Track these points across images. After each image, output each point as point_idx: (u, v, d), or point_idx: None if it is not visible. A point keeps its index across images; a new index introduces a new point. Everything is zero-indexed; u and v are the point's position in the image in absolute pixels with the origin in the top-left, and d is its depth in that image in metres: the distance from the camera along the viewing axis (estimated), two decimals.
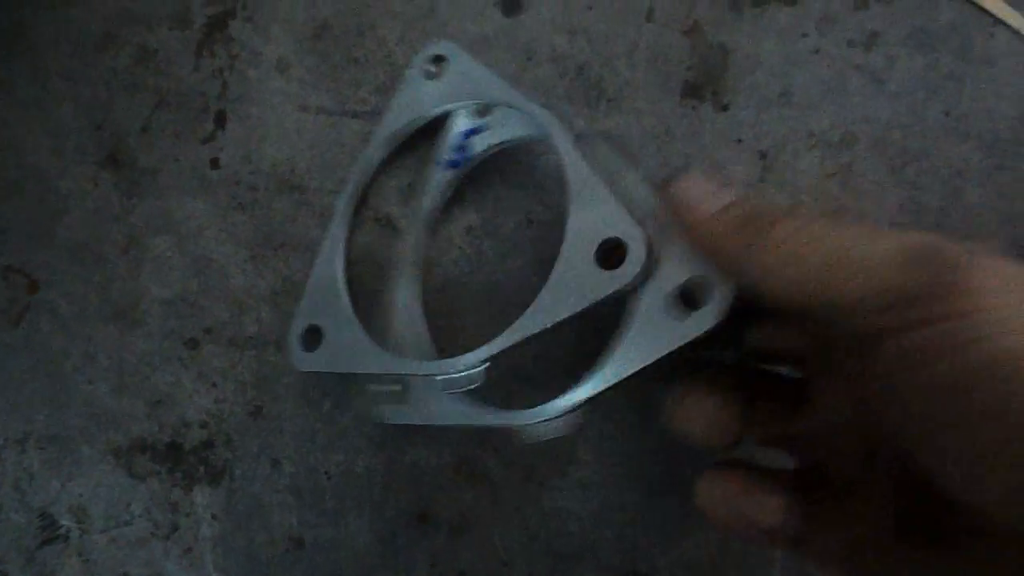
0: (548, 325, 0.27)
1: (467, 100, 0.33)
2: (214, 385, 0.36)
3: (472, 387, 0.29)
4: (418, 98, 0.34)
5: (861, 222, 0.22)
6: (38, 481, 0.35)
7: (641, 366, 0.27)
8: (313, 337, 0.32)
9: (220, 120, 0.36)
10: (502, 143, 0.34)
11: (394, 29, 0.37)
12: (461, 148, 0.34)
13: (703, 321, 0.26)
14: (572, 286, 0.27)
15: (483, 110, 0.34)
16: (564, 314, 0.27)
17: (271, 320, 0.36)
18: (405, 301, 0.34)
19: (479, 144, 0.34)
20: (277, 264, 0.36)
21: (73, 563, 0.35)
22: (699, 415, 0.26)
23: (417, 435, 0.35)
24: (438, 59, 0.34)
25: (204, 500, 0.35)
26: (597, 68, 0.37)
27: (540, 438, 0.29)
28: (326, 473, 0.35)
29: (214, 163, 0.36)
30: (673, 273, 0.26)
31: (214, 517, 0.35)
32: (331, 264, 0.33)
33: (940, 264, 0.19)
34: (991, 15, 0.37)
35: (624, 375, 0.27)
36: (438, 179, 0.35)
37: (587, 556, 0.35)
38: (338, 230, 0.34)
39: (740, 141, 0.37)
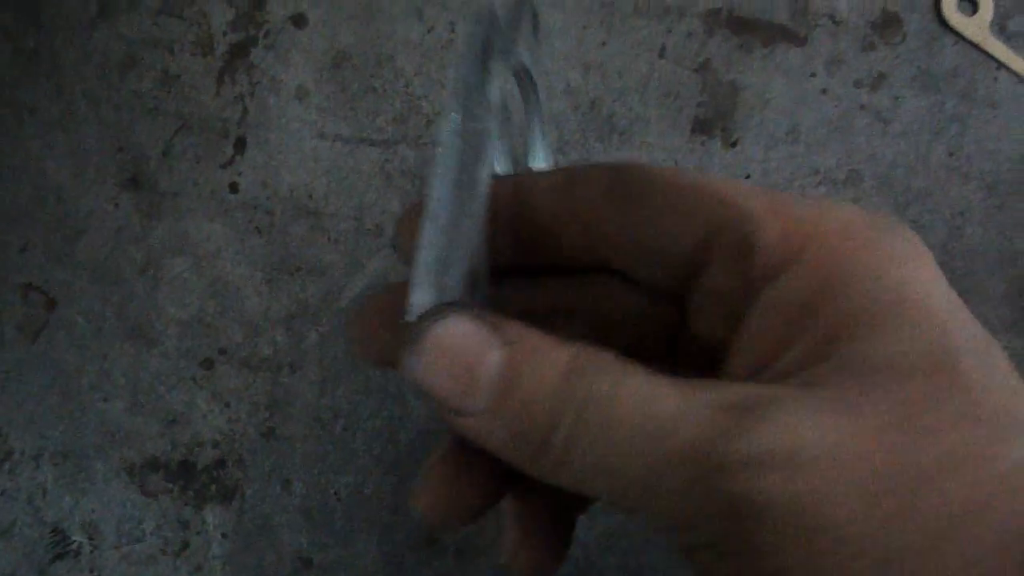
0: None
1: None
2: (227, 405, 0.36)
3: None
4: None
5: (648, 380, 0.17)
6: (51, 496, 0.36)
7: None
8: None
9: (240, 145, 0.37)
10: None
11: (412, 60, 0.38)
12: None
13: None
14: None
15: None
16: None
17: (286, 343, 0.36)
18: None
19: None
20: (292, 288, 0.37)
21: None
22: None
23: (427, 458, 0.36)
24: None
25: (215, 519, 0.36)
26: (610, 103, 0.38)
27: None
28: (336, 494, 0.36)
29: (233, 187, 0.37)
30: None
31: (224, 536, 0.36)
32: None
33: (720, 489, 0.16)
34: (995, 59, 0.38)
35: None
36: None
37: None
38: None
39: (748, 177, 0.37)
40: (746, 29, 0.38)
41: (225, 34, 0.38)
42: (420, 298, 0.18)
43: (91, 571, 0.36)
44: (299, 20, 0.38)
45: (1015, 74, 0.38)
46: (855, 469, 0.15)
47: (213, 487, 0.36)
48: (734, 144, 0.38)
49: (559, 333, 0.21)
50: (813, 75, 0.38)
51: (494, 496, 0.22)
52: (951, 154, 0.38)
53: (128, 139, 0.37)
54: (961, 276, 0.37)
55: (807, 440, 0.15)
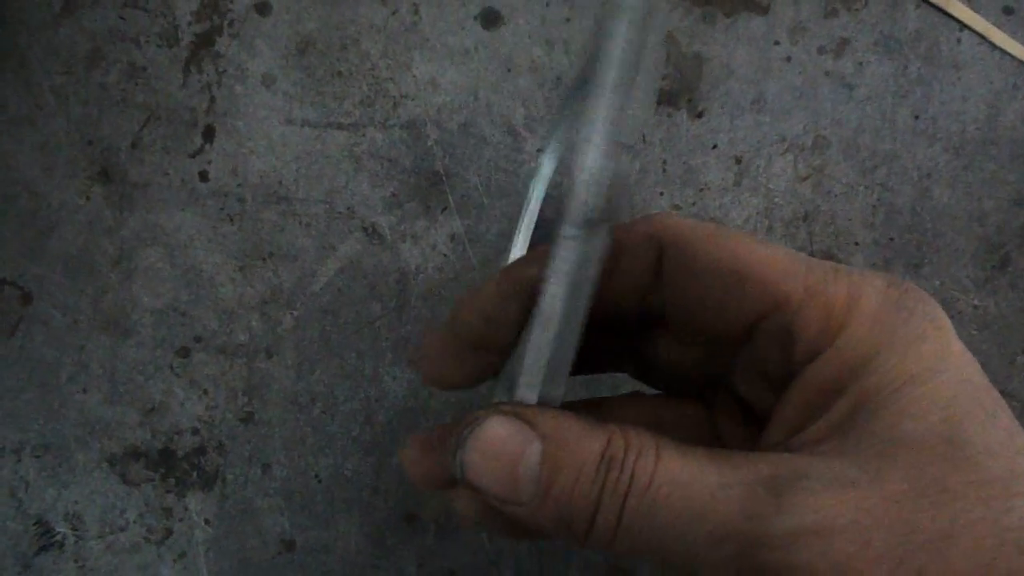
0: None
1: None
2: (205, 392, 0.36)
3: None
4: None
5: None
6: (34, 489, 0.36)
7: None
8: None
9: (208, 134, 0.37)
10: None
11: (377, 43, 0.38)
12: None
13: None
14: None
15: None
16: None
17: (261, 328, 0.37)
18: None
19: None
20: (266, 274, 0.37)
21: (69, 569, 0.36)
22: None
23: (404, 437, 0.36)
24: None
25: (197, 505, 0.36)
26: (575, 78, 0.38)
27: None
28: (316, 476, 0.36)
29: (203, 176, 0.37)
30: None
31: (207, 522, 0.36)
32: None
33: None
34: (957, 20, 0.38)
35: None
36: None
37: (572, 554, 0.36)
38: None
39: (715, 147, 0.38)
40: (708, 0, 0.38)
41: (190, 24, 0.38)
42: (524, 397, 0.20)
43: (76, 562, 0.36)
44: (263, 8, 0.38)
45: (978, 35, 0.38)
46: (879, 538, 0.17)
47: (194, 474, 0.36)
48: (700, 115, 0.38)
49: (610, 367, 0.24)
50: (777, 43, 0.38)
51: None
52: (916, 117, 0.38)
53: (97, 132, 0.37)
54: (931, 237, 0.37)
55: (837, 513, 0.17)
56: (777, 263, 0.21)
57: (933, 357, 0.19)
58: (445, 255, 0.37)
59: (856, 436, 0.19)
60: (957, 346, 0.20)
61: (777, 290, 0.21)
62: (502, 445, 0.19)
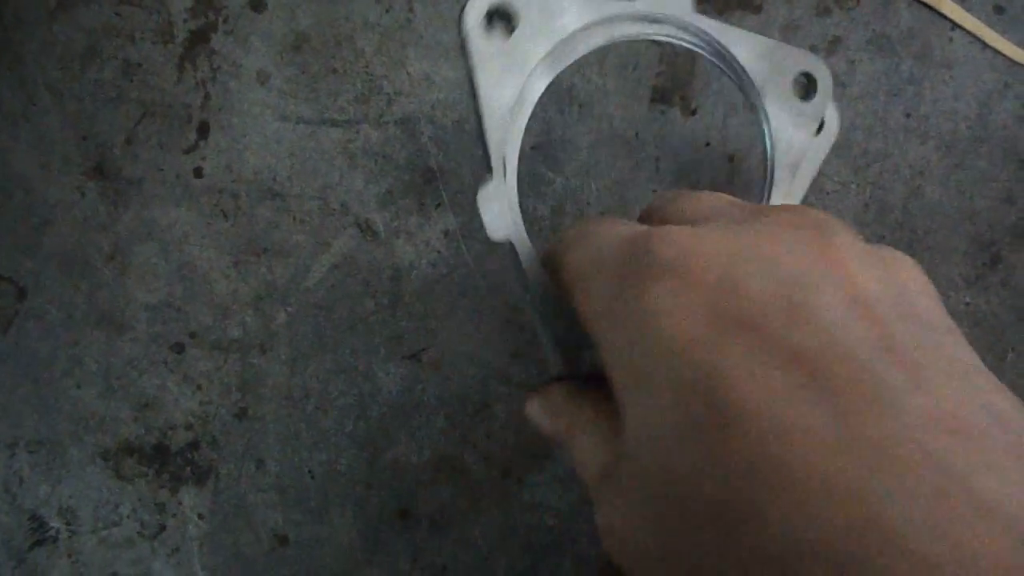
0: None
1: None
2: (199, 388, 0.36)
3: None
4: None
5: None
6: (28, 484, 0.36)
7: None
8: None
9: (203, 130, 0.37)
10: None
11: (371, 40, 0.38)
12: None
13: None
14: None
15: None
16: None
17: (255, 324, 0.37)
18: None
19: None
20: (260, 269, 0.37)
21: (63, 564, 0.36)
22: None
23: (398, 432, 0.36)
24: None
25: (190, 500, 0.36)
26: (569, 75, 0.38)
27: None
28: (310, 472, 0.36)
29: (197, 172, 0.37)
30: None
31: (200, 517, 0.36)
32: None
33: None
34: (949, 19, 0.38)
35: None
36: None
37: (564, 549, 0.36)
38: None
39: (708, 144, 0.38)
40: None
41: (185, 21, 0.38)
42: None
43: (69, 556, 0.36)
44: (257, 4, 0.38)
45: (969, 34, 0.38)
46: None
47: (188, 469, 0.36)
48: (694, 112, 0.38)
49: None
50: None
51: None
52: (908, 115, 0.38)
53: (92, 128, 0.37)
54: (922, 235, 0.38)
55: None
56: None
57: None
58: (439, 251, 0.37)
59: None
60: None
61: None
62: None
